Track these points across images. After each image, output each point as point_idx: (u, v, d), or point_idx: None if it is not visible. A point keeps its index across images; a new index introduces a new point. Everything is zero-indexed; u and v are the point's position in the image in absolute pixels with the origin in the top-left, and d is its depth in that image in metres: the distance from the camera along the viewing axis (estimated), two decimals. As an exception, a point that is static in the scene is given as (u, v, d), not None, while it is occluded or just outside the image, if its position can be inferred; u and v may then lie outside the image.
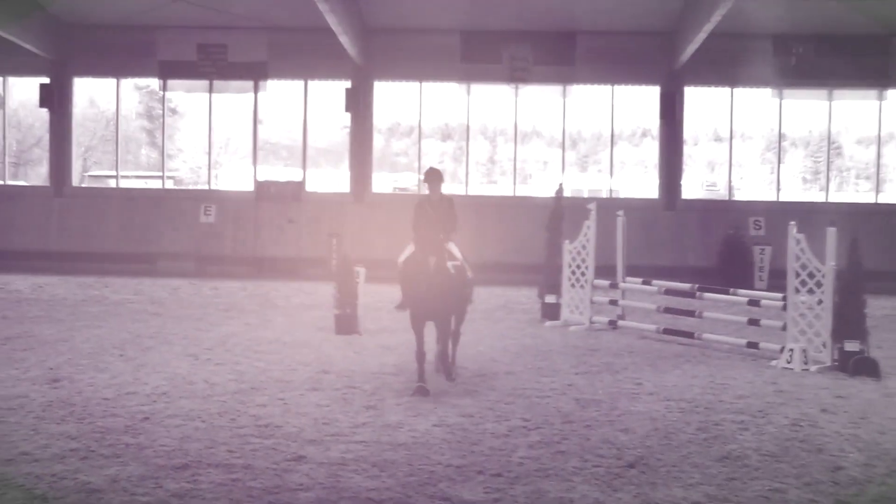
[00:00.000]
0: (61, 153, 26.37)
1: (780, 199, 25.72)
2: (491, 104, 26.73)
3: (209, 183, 27.24)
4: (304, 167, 26.44)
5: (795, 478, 7.72)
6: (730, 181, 26.76)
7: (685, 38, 23.83)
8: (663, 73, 25.21)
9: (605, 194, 26.36)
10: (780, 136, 26.34)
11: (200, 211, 25.78)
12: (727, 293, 15.02)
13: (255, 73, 25.83)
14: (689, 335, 14.73)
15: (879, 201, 25.87)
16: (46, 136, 26.75)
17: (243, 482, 7.27)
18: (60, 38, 25.76)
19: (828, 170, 26.42)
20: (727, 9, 21.25)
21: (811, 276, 12.89)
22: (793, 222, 13.30)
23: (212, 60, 25.76)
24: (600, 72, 25.34)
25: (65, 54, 25.87)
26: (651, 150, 26.76)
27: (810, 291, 12.95)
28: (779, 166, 26.47)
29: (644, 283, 15.96)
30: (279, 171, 27.20)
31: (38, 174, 27.33)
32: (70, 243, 25.55)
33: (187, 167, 29.34)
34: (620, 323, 16.02)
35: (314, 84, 26.26)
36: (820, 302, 12.78)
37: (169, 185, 27.45)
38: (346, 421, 9.25)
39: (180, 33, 25.50)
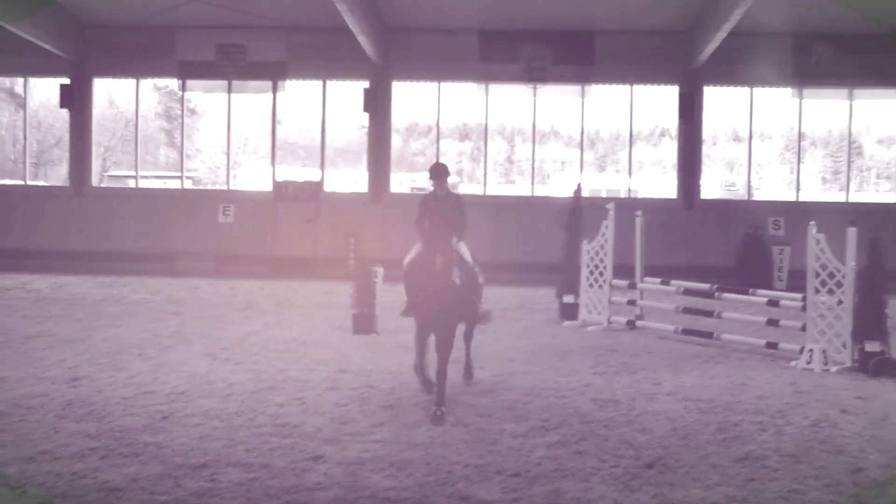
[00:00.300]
0: (81, 153, 26.50)
1: (800, 199, 25.60)
2: (509, 104, 26.73)
3: (228, 183, 27.32)
4: (322, 167, 26.47)
5: (815, 479, 7.69)
6: (749, 181, 26.64)
7: (704, 37, 23.75)
8: (682, 73, 25.13)
9: (623, 194, 26.30)
10: (800, 136, 26.22)
11: (219, 211, 25.86)
12: (746, 293, 14.96)
13: (274, 73, 25.89)
14: (708, 335, 14.68)
15: (900, 201, 25.78)
16: (66, 137, 26.87)
17: (261, 481, 7.29)
18: (80, 39, 25.91)
19: (848, 169, 26.30)
20: (747, 8, 21.20)
21: (831, 276, 12.83)
22: (812, 222, 13.23)
23: (230, 60, 25.83)
24: (619, 71, 25.28)
25: (84, 55, 26.01)
26: (670, 150, 26.71)
27: (830, 292, 12.88)
28: (798, 166, 26.37)
29: (662, 283, 15.93)
30: (297, 171, 27.26)
31: (57, 174, 27.49)
32: (89, 243, 25.66)
33: (206, 167, 29.48)
34: (639, 323, 15.99)
35: (332, 84, 26.30)
36: (840, 302, 12.72)
37: (188, 185, 27.56)
38: (364, 420, 9.26)
39: (199, 33, 25.58)
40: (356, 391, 10.62)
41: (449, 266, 9.58)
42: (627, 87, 25.86)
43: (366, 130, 26.43)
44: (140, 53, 25.79)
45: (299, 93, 26.79)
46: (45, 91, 27.25)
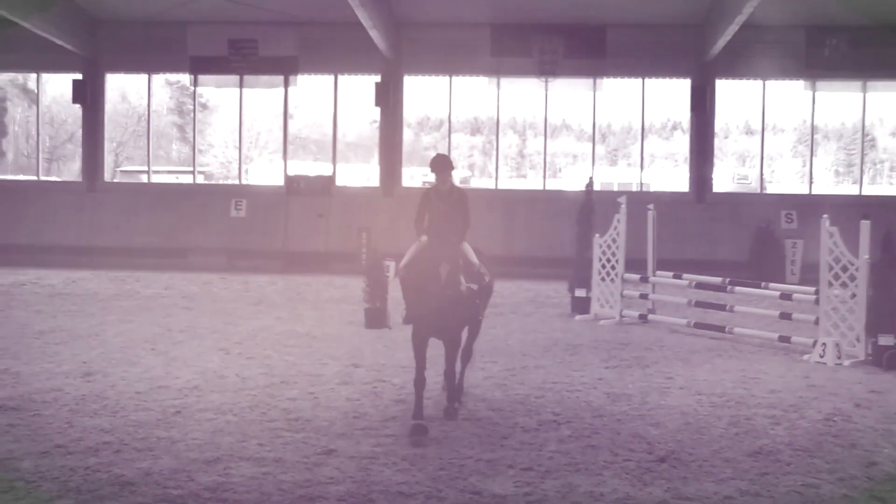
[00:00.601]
0: (93, 149, 26.58)
1: (813, 192, 25.53)
2: (520, 98, 26.72)
3: (240, 178, 27.39)
4: (333, 161, 26.50)
5: (829, 473, 7.67)
6: (761, 174, 26.60)
7: (716, 30, 23.69)
8: (694, 66, 25.07)
9: (635, 188, 26.27)
10: (813, 129, 26.15)
11: (231, 206, 25.90)
12: (759, 287, 14.91)
13: (286, 67, 25.91)
14: (721, 329, 14.66)
15: (914, 194, 25.70)
16: (79, 132, 26.97)
17: (274, 476, 7.31)
18: (92, 35, 25.98)
19: (861, 162, 26.16)
20: (758, 0, 21.12)
21: (844, 269, 12.79)
22: (825, 215, 13.20)
23: (242, 55, 25.86)
24: (630, 65, 25.23)
25: (97, 50, 26.08)
26: (682, 144, 26.68)
27: (843, 285, 12.85)
28: (811, 159, 26.29)
29: (675, 277, 15.89)
30: (309, 166, 27.32)
31: (70, 170, 27.60)
32: (102, 238, 25.75)
33: (218, 162, 29.56)
34: (651, 317, 15.96)
35: (344, 78, 26.31)
36: (853, 295, 12.69)
37: (200, 179, 27.60)
38: (377, 415, 9.28)
39: (211, 28, 25.63)
40: (368, 386, 10.63)
41: (456, 274, 8.69)
42: (639, 80, 25.81)
43: (377, 125, 26.46)
44: (152, 49, 25.86)
45: (311, 87, 26.82)
46: (57, 87, 27.35)
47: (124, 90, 28.29)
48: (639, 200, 17.39)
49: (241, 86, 26.44)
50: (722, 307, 15.13)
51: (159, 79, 27.49)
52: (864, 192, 25.39)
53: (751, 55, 24.22)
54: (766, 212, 24.24)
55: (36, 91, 27.65)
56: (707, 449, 8.30)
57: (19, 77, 27.59)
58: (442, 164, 9.53)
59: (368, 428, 8.75)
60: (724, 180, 27.02)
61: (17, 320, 15.27)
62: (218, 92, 27.92)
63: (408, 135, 26.87)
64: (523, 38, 25.11)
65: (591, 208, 16.94)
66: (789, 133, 26.86)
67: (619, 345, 13.90)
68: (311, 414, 9.25)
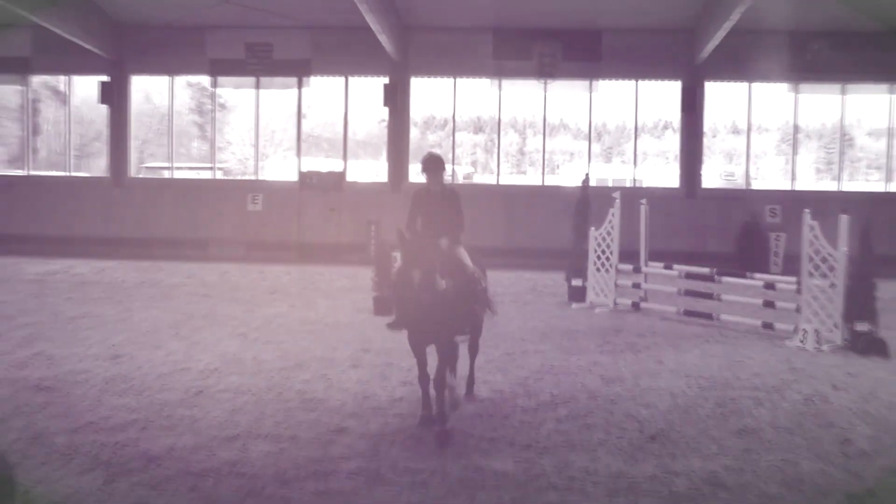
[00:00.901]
0: (120, 146, 26.59)
1: (795, 189, 25.45)
2: (521, 98, 26.64)
3: (256, 173, 27.36)
4: (344, 158, 26.48)
5: (807, 450, 7.73)
6: (747, 171, 26.51)
7: (706, 35, 23.65)
8: (685, 69, 25.02)
9: (628, 184, 26.21)
10: (795, 129, 26.08)
11: (248, 200, 25.91)
12: (744, 277, 14.93)
13: (299, 69, 25.90)
14: (708, 316, 14.70)
15: (889, 190, 25.58)
16: (106, 131, 26.95)
17: (289, 452, 7.36)
18: (118, 39, 25.98)
19: (840, 160, 26.15)
20: (746, 7, 21.11)
21: (824, 260, 12.82)
22: (807, 210, 13.23)
23: (258, 58, 25.86)
24: (625, 67, 25.18)
25: (123, 54, 26.08)
26: (672, 142, 26.57)
27: (823, 275, 12.86)
28: (794, 157, 26.22)
29: (666, 267, 15.91)
30: (321, 162, 27.22)
31: (98, 166, 27.57)
32: (128, 230, 25.80)
33: (236, 159, 29.55)
34: (643, 305, 16.00)
35: (354, 80, 26.28)
36: (832, 285, 12.71)
37: (219, 175, 27.56)
38: (385, 396, 9.33)
39: (229, 33, 25.61)
40: (377, 369, 10.67)
41: (430, 277, 7.77)
42: (633, 82, 25.75)
43: (385, 124, 26.42)
44: (174, 52, 25.87)
45: (323, 88, 26.77)
46: (86, 88, 27.28)
47: (148, 91, 28.24)
48: (632, 196, 17.39)
49: (257, 87, 26.44)
50: (709, 296, 15.18)
51: (181, 80, 27.41)
52: (843, 189, 25.31)
53: (738, 59, 24.19)
54: (752, 206, 24.21)
55: (66, 92, 27.64)
56: (695, 428, 8.35)
57: (51, 79, 27.55)
58: (433, 164, 8.80)
59: (377, 408, 8.81)
60: (712, 177, 26.92)
61: (49, 307, 15.35)
62: (235, 93, 27.86)
63: (414, 133, 26.83)
64: (523, 42, 25.07)
65: (587, 203, 16.94)
66: (773, 132, 26.79)
67: (613, 331, 13.94)
68: (324, 395, 9.30)
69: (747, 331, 14.00)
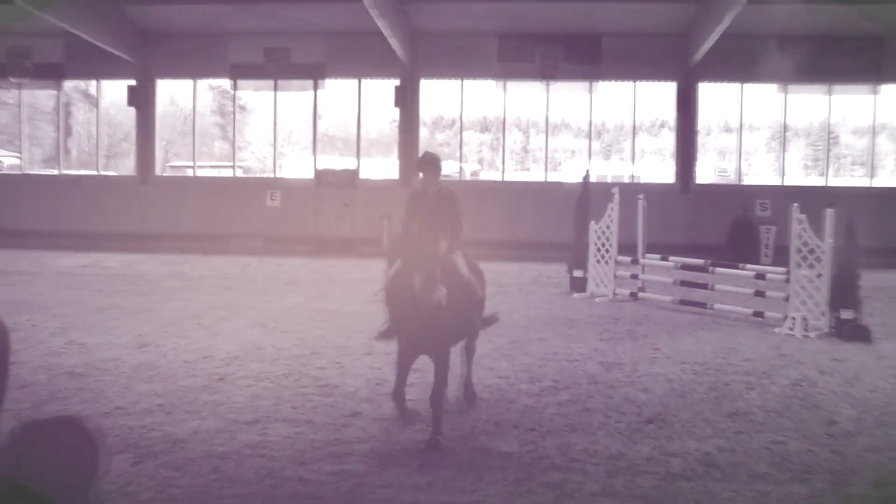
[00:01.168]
0: (146, 146, 26.66)
1: (784, 184, 25.39)
2: (524, 99, 26.60)
3: (274, 171, 27.37)
4: (358, 157, 26.50)
5: (795, 431, 7.71)
6: (739, 168, 26.45)
7: (699, 38, 23.59)
8: (679, 71, 24.96)
9: (626, 180, 26.17)
10: (785, 127, 26.02)
11: (267, 196, 25.96)
12: (736, 268, 14.92)
13: (315, 73, 25.92)
14: (702, 305, 14.68)
15: (873, 185, 25.49)
16: (133, 132, 27.02)
17: (306, 435, 7.37)
18: (145, 46, 26.03)
19: (827, 157, 26.09)
20: (737, 12, 21.08)
21: (811, 252, 12.80)
22: (795, 204, 13.18)
23: (276, 62, 25.88)
24: (623, 69, 25.14)
25: (149, 60, 26.13)
26: (668, 140, 26.49)
27: (810, 266, 12.85)
28: (783, 154, 26.15)
29: (662, 259, 15.90)
30: (336, 161, 27.23)
31: (126, 165, 27.63)
32: (154, 225, 25.87)
33: (255, 157, 29.54)
34: (641, 295, 15.98)
35: (367, 82, 26.29)
36: (819, 275, 12.69)
37: (239, 173, 27.62)
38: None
39: (248, 39, 25.63)
40: (389, 356, 10.60)
41: (432, 285, 6.93)
42: (630, 83, 25.73)
43: (396, 124, 26.42)
44: (196, 57, 25.90)
45: (337, 90, 26.78)
46: (115, 92, 27.35)
47: (173, 94, 28.25)
48: (630, 191, 17.34)
49: (275, 89, 26.46)
50: (703, 286, 15.14)
51: (203, 84, 27.44)
52: (829, 184, 25.24)
53: (730, 61, 24.12)
54: (743, 201, 24.17)
55: (96, 96, 27.71)
56: (689, 411, 8.33)
57: (82, 84, 27.62)
58: (429, 163, 7.87)
59: (389, 393, 8.79)
60: (706, 173, 26.85)
61: (81, 298, 15.38)
62: (255, 95, 27.85)
63: (424, 132, 26.79)
64: (526, 46, 25.04)
65: (587, 198, 16.91)
66: (764, 131, 26.68)
67: (613, 319, 13.92)
68: (339, 381, 9.31)
69: (739, 319, 13.97)
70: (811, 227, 12.91)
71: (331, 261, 22.59)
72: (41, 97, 27.94)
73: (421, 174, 7.91)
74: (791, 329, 12.75)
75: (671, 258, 15.77)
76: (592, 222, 16.57)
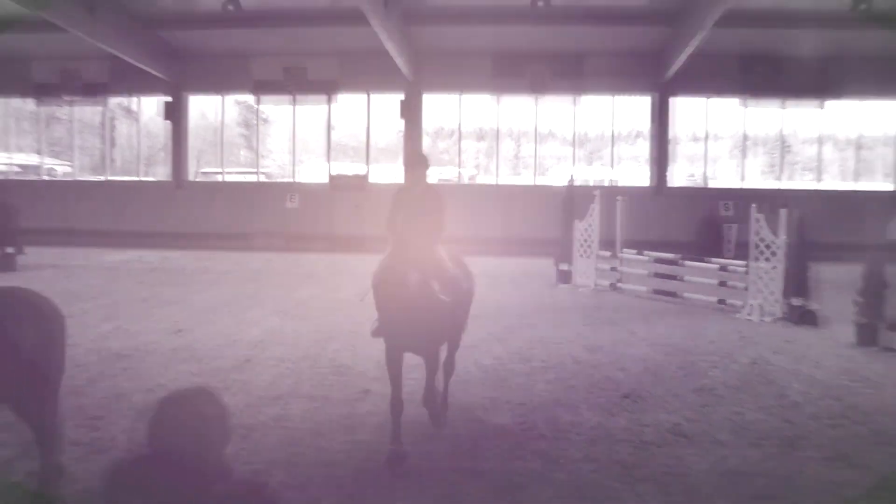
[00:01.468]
0: (180, 155, 26.68)
1: (745, 187, 25.36)
2: (516, 111, 26.60)
3: (293, 176, 27.34)
4: (367, 163, 26.51)
5: (752, 403, 7.82)
6: (705, 173, 26.47)
7: (672, 57, 23.62)
8: (654, 86, 24.98)
9: (607, 183, 26.11)
10: (745, 137, 26.07)
11: (286, 199, 25.99)
12: (703, 261, 14.99)
13: (329, 88, 25.92)
14: (674, 295, 14.76)
15: (820, 188, 25.54)
16: (169, 142, 27.04)
17: (323, 410, 7.45)
18: (179, 66, 26.01)
19: (781, 163, 26.19)
20: (704, 35, 21.16)
21: (768, 247, 12.89)
22: (754, 205, 13.29)
23: (294, 79, 25.87)
24: (604, 85, 25.14)
25: (182, 78, 26.12)
26: (644, 148, 26.47)
27: (767, 259, 12.93)
28: (743, 161, 26.17)
29: (638, 253, 15.96)
30: (348, 167, 27.23)
31: (162, 172, 27.60)
32: (187, 225, 25.88)
33: (276, 164, 29.49)
34: (619, 285, 16.04)
35: (375, 96, 26.27)
36: (774, 267, 12.78)
37: (262, 178, 27.61)
38: (403, 363, 9.37)
39: (269, 59, 25.63)
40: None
41: (426, 281, 6.29)
42: (610, 97, 25.75)
43: (402, 133, 26.42)
44: (224, 75, 25.90)
45: (349, 104, 26.75)
46: (152, 107, 27.37)
47: (203, 109, 28.21)
48: (610, 193, 17.38)
49: (293, 104, 26.47)
50: (674, 277, 15.21)
51: (230, 99, 27.40)
52: (783, 187, 25.24)
53: (698, 78, 24.15)
54: (710, 202, 24.22)
55: (136, 111, 27.74)
56: (661, 387, 8.42)
57: (124, 100, 27.64)
58: (415, 161, 7.09)
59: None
60: (677, 177, 26.81)
61: (125, 289, 15.48)
62: (275, 109, 27.80)
63: (426, 141, 26.77)
64: (518, 64, 25.03)
65: (572, 199, 16.96)
66: (727, 140, 26.64)
67: (595, 308, 14.00)
68: (352, 362, 9.38)
69: (705, 306, 14.05)
70: (767, 225, 12.99)
71: (343, 256, 22.63)
72: (89, 113, 27.96)
73: (407, 170, 7.12)
74: (750, 315, 12.84)
75: (646, 253, 15.84)
76: (577, 221, 16.62)
